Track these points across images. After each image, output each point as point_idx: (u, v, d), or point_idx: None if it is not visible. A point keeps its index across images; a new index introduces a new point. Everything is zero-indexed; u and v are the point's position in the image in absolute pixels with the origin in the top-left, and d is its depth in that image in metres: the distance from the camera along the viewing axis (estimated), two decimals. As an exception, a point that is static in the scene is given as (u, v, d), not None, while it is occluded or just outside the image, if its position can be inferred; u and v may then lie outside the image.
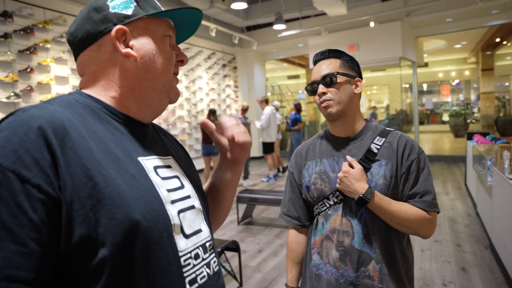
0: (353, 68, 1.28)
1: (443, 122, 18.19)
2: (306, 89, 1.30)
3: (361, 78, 1.30)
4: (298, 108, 8.50)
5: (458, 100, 19.08)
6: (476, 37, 11.68)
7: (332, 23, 9.05)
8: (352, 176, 1.15)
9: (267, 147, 8.02)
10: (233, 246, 3.08)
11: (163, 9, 0.79)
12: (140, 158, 0.71)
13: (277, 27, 8.70)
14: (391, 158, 1.21)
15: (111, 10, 0.73)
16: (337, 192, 1.23)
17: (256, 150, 11.47)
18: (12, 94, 5.34)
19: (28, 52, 5.57)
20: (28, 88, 5.57)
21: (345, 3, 7.62)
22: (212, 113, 7.05)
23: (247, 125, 7.41)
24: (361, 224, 1.20)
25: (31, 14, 5.61)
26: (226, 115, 0.89)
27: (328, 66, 1.25)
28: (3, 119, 0.61)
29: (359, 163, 1.20)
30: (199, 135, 9.13)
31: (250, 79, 11.81)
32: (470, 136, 6.24)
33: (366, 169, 1.20)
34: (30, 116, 0.59)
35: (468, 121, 15.23)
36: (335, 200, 1.24)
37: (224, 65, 10.79)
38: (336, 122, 1.27)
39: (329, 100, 1.23)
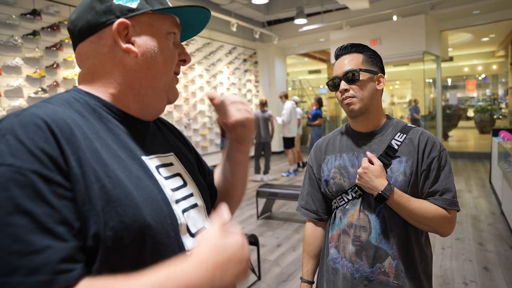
0: (376, 64, 1.27)
1: (468, 118, 17.68)
2: (327, 84, 1.30)
3: (384, 73, 1.29)
4: (320, 103, 8.46)
5: (484, 95, 18.50)
6: (505, 30, 11.26)
7: (354, 17, 8.92)
8: (372, 172, 1.16)
9: (288, 142, 8.02)
10: (252, 240, 3.12)
11: (170, 4, 0.76)
12: (143, 158, 0.70)
13: (298, 21, 8.65)
14: (412, 155, 1.21)
15: (115, 1, 0.69)
16: (356, 187, 1.24)
17: (277, 145, 11.48)
18: (40, 89, 5.52)
19: (54, 48, 5.74)
20: (54, 83, 5.74)
21: (368, -4, 7.50)
22: None
23: (266, 119, 7.41)
24: (379, 220, 1.21)
25: (57, 11, 5.77)
26: (231, 93, 0.83)
27: (350, 62, 1.24)
28: (1, 120, 0.58)
29: (379, 159, 1.20)
30: (218, 129, 9.21)
31: (271, 74, 11.80)
32: (496, 133, 6.07)
33: (386, 165, 1.20)
34: (34, 114, 0.57)
35: (495, 117, 14.76)
36: (354, 195, 1.25)
37: (245, 60, 10.81)
38: (358, 118, 1.27)
39: (352, 97, 1.22)
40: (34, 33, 5.45)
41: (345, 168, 1.28)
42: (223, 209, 0.64)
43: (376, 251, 1.20)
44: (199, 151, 9.02)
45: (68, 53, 5.97)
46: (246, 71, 10.88)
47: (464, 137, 13.62)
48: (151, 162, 0.71)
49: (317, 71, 17.01)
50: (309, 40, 11.06)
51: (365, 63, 1.24)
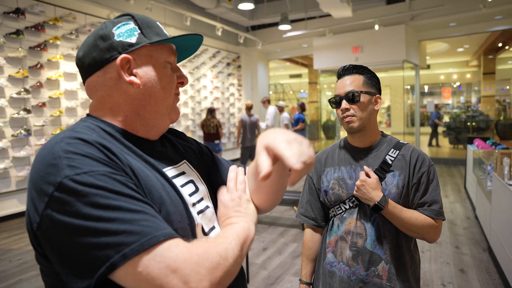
0: (374, 85, 1.39)
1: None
2: (329, 101, 1.41)
3: (380, 93, 1.41)
4: (302, 108, 8.62)
5: (459, 103, 19.17)
6: (478, 41, 11.78)
7: (337, 25, 9.15)
8: (369, 185, 1.27)
9: None
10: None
11: (167, 33, 0.84)
12: (163, 169, 0.79)
13: (282, 27, 8.80)
14: (404, 169, 1.33)
15: (116, 39, 0.76)
16: (353, 198, 1.35)
17: (258, 149, 11.56)
18: (22, 89, 5.44)
19: (38, 48, 5.67)
20: (38, 84, 5.67)
21: (351, 5, 7.72)
22: (210, 112, 7.14)
23: (253, 124, 7.48)
24: (374, 227, 1.32)
25: (42, 11, 5.70)
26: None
27: (352, 83, 1.35)
28: (40, 154, 0.65)
29: (375, 173, 1.31)
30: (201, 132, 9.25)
31: (253, 78, 11.92)
32: (471, 140, 6.36)
33: (381, 179, 1.32)
34: (75, 138, 0.66)
35: (468, 124, 15.33)
36: (351, 205, 1.36)
37: (228, 64, 10.89)
38: (355, 134, 1.39)
39: (352, 116, 1.34)
40: (18, 33, 5.37)
41: (343, 180, 1.38)
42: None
43: (371, 256, 1.31)
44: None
45: (52, 54, 5.90)
46: (229, 74, 10.96)
47: (440, 143, 14.08)
48: (169, 172, 0.81)
49: (298, 76, 17.25)
50: (292, 46, 11.25)
51: (365, 85, 1.36)
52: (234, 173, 0.92)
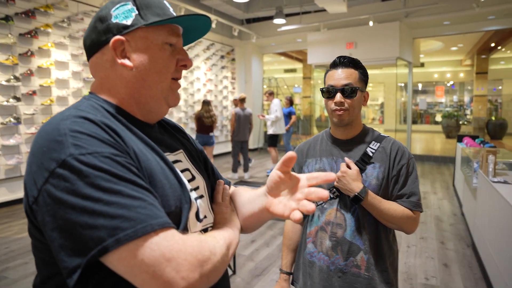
0: (365, 81, 1.40)
1: (436, 123, 18.46)
2: (322, 90, 1.40)
3: (366, 89, 1.42)
4: (291, 101, 8.66)
5: (451, 101, 19.34)
6: (472, 41, 11.86)
7: (332, 20, 9.15)
8: (349, 176, 1.28)
9: (274, 139, 7.91)
10: (229, 235, 3.20)
11: (172, 12, 0.81)
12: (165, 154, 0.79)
13: (277, 21, 8.77)
14: (384, 161, 1.35)
15: (113, 20, 0.76)
16: (334, 189, 1.36)
17: (251, 142, 11.60)
18: (12, 77, 5.38)
19: (29, 35, 5.60)
20: (28, 72, 5.60)
21: (346, 1, 7.71)
22: (207, 104, 7.10)
23: (247, 117, 7.44)
24: (354, 218, 1.34)
25: (33, -3, 5.62)
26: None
27: (349, 76, 1.35)
28: (44, 129, 0.66)
29: (356, 165, 1.33)
30: (194, 125, 9.23)
31: (247, 72, 11.90)
32: (460, 138, 6.43)
33: (362, 170, 1.34)
34: (81, 117, 0.66)
35: (461, 122, 15.49)
36: (332, 196, 1.38)
37: (222, 57, 10.85)
38: (340, 128, 1.40)
39: (345, 110, 1.34)
40: (7, 18, 5.29)
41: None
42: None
43: (350, 246, 1.32)
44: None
45: (44, 41, 5.83)
46: (223, 67, 10.93)
47: (432, 141, 14.22)
48: (169, 158, 0.81)
49: (293, 70, 17.24)
50: (286, 40, 11.23)
51: (359, 80, 1.37)
52: (221, 187, 0.95)
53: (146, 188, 0.64)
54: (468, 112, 17.88)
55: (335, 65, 1.40)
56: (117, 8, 0.77)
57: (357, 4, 9.01)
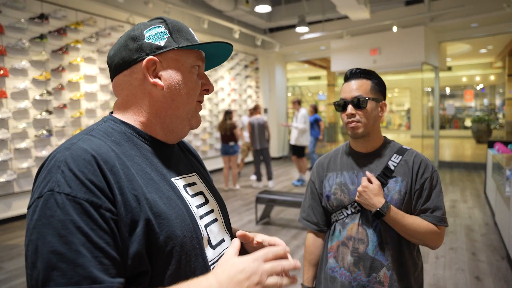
0: (381, 91, 1.38)
1: (465, 128, 17.88)
2: (334, 104, 1.40)
3: (385, 99, 1.41)
4: (316, 109, 8.59)
5: (482, 105, 18.71)
6: (503, 42, 11.45)
7: (355, 27, 9.08)
8: (371, 191, 1.27)
9: (301, 151, 7.76)
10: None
11: (197, 39, 0.85)
12: (172, 179, 0.80)
13: (299, 29, 8.79)
14: (407, 175, 1.32)
15: (146, 40, 0.79)
16: (355, 203, 1.35)
17: (275, 151, 11.60)
18: (45, 91, 5.63)
19: (60, 52, 5.85)
20: (60, 86, 5.85)
21: (368, 7, 7.65)
22: (227, 113, 7.18)
23: (261, 125, 7.41)
24: (376, 233, 1.32)
25: (64, 16, 5.88)
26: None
27: (359, 88, 1.34)
28: (53, 152, 0.70)
29: (377, 179, 1.31)
30: (218, 134, 9.34)
31: (271, 80, 11.94)
32: (491, 144, 6.20)
33: (383, 184, 1.32)
34: (82, 149, 0.68)
35: (492, 127, 14.93)
36: (353, 210, 1.36)
37: (246, 66, 10.94)
38: (359, 140, 1.39)
39: (357, 122, 1.33)
40: (41, 37, 5.56)
41: (345, 185, 1.39)
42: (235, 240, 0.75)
43: (372, 262, 1.31)
44: (199, 155, 9.10)
45: (73, 57, 6.08)
46: (247, 77, 11.01)
47: (461, 146, 13.77)
48: (179, 182, 0.82)
49: (317, 78, 17.17)
50: (310, 48, 11.21)
51: (372, 91, 1.35)
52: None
53: (100, 246, 0.62)
54: (500, 116, 17.22)
55: (347, 78, 1.40)
56: (150, 29, 0.80)
57: (380, 10, 8.91)
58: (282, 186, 7.66)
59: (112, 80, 0.84)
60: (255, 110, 7.58)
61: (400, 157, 1.35)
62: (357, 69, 1.38)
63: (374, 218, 1.30)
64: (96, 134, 0.75)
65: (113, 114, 0.84)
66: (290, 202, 4.80)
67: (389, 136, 1.48)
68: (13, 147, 5.31)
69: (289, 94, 13.24)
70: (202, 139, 9.15)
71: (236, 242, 0.76)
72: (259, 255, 0.69)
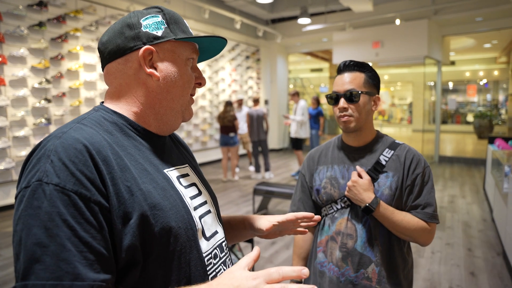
0: (375, 85, 1.35)
1: (467, 123, 17.79)
2: (327, 97, 1.37)
3: (379, 92, 1.38)
4: (318, 101, 8.54)
5: (485, 101, 18.58)
6: (508, 37, 11.32)
7: (358, 19, 8.98)
8: (360, 186, 1.25)
9: (300, 143, 7.71)
10: (247, 238, 3.21)
11: (192, 32, 0.84)
12: (165, 170, 0.79)
13: (301, 21, 8.69)
14: (398, 170, 1.30)
15: (143, 29, 0.76)
16: (345, 198, 1.33)
17: (275, 142, 11.58)
18: (44, 80, 5.60)
19: (59, 40, 5.81)
20: (59, 74, 5.82)
21: (372, -1, 7.55)
22: (228, 105, 7.16)
23: (260, 117, 7.38)
24: (365, 229, 1.30)
25: (63, 3, 5.83)
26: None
27: (353, 81, 1.31)
28: (43, 141, 0.67)
29: (368, 174, 1.29)
30: (218, 125, 9.32)
31: (272, 72, 11.86)
32: (492, 140, 6.17)
33: (374, 179, 1.29)
34: (73, 138, 0.65)
35: (494, 123, 14.85)
36: (342, 205, 1.35)
37: (247, 57, 10.87)
38: (351, 134, 1.36)
39: (349, 116, 1.30)
40: (40, 24, 5.51)
41: (335, 179, 1.37)
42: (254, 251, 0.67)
43: (361, 257, 1.29)
44: (199, 146, 9.11)
45: (73, 45, 6.04)
46: (248, 68, 10.94)
47: (462, 141, 13.72)
48: (172, 173, 0.81)
49: (319, 70, 17.05)
50: (312, 40, 11.11)
51: (366, 84, 1.32)
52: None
53: (86, 241, 0.60)
54: (503, 111, 17.11)
55: (340, 70, 1.36)
56: (147, 18, 0.78)
57: (383, 2, 8.80)
58: (281, 178, 7.65)
59: (103, 68, 0.81)
60: (255, 102, 7.63)
61: (392, 152, 1.33)
62: (350, 61, 1.35)
63: (363, 214, 1.28)
64: (88, 123, 0.73)
65: (105, 104, 0.81)
66: (288, 194, 4.79)
67: (391, 129, 1.46)
68: (11, 135, 5.30)
69: (291, 86, 13.17)
70: (202, 130, 9.13)
71: (254, 253, 0.67)
72: (262, 274, 0.61)
